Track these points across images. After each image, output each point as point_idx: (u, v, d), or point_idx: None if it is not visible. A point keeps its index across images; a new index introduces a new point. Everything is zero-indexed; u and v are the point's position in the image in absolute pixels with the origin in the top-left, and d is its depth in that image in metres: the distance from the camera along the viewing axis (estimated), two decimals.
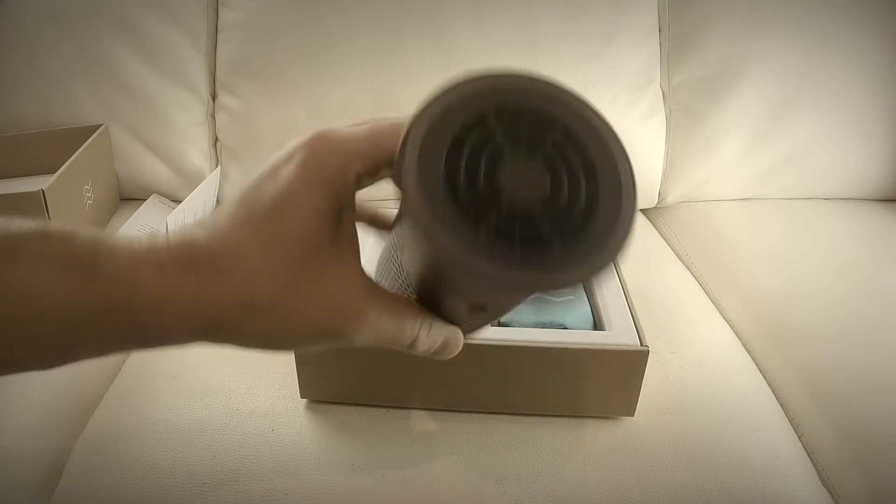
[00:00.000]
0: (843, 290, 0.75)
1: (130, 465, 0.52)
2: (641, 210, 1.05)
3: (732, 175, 1.01)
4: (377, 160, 0.26)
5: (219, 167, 1.00)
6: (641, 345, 0.52)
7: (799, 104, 0.97)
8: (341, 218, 0.26)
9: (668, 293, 0.75)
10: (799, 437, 0.60)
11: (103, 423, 0.57)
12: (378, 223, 0.34)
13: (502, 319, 0.55)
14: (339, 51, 0.94)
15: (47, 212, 0.77)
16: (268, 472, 0.50)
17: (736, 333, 0.72)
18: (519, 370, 0.53)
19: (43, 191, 0.76)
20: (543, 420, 0.55)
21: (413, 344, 0.28)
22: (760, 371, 0.66)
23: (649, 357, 0.52)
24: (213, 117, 1.01)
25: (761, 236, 0.90)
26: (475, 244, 0.20)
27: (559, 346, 0.52)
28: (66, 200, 0.83)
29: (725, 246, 0.89)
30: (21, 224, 0.23)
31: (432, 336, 0.28)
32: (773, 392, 0.64)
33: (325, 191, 0.25)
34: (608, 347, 0.52)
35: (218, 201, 0.99)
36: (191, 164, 1.00)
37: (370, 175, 0.27)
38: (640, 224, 0.99)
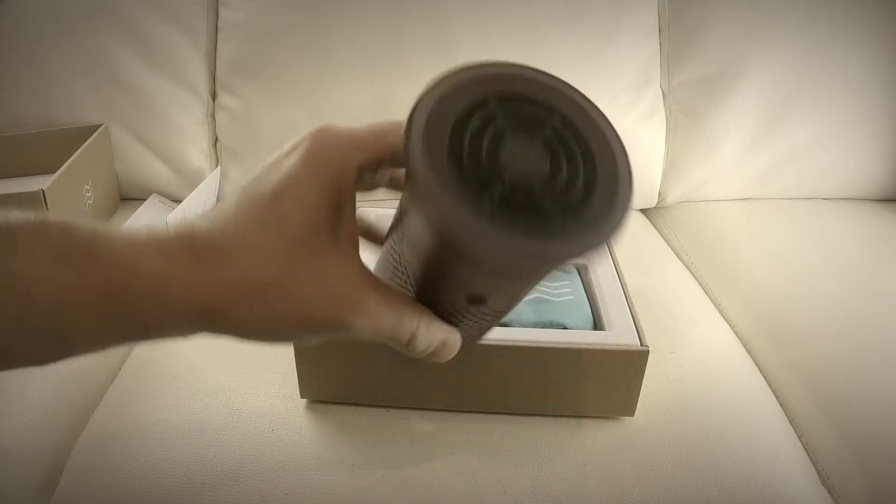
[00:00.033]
0: (843, 290, 0.75)
1: (130, 465, 0.52)
2: (641, 210, 1.05)
3: (732, 175, 1.01)
4: (378, 153, 0.27)
5: (219, 167, 1.00)
6: (641, 345, 0.52)
7: (799, 104, 0.97)
8: (342, 209, 0.27)
9: (668, 293, 0.75)
10: (799, 437, 0.60)
11: (103, 423, 0.57)
12: (372, 236, 0.34)
13: (502, 320, 0.55)
14: (339, 51, 0.94)
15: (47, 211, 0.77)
16: (268, 472, 0.50)
17: (736, 333, 0.72)
18: (519, 370, 0.53)
19: (43, 191, 0.76)
20: (543, 420, 0.55)
21: (412, 340, 0.27)
22: (760, 371, 0.66)
23: (649, 357, 0.52)
24: (213, 117, 1.01)
25: (761, 236, 0.90)
26: (479, 211, 0.21)
27: (559, 346, 0.52)
28: (66, 200, 0.83)
29: (725, 246, 0.89)
30: (19, 215, 0.23)
31: (431, 332, 0.28)
32: (773, 392, 0.64)
33: (326, 179, 0.26)
34: (608, 347, 0.52)
35: (218, 201, 0.99)
36: (191, 164, 1.00)
37: (371, 168, 0.27)
38: (640, 224, 0.99)
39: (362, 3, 0.95)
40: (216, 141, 1.02)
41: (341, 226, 0.27)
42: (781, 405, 0.63)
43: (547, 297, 0.59)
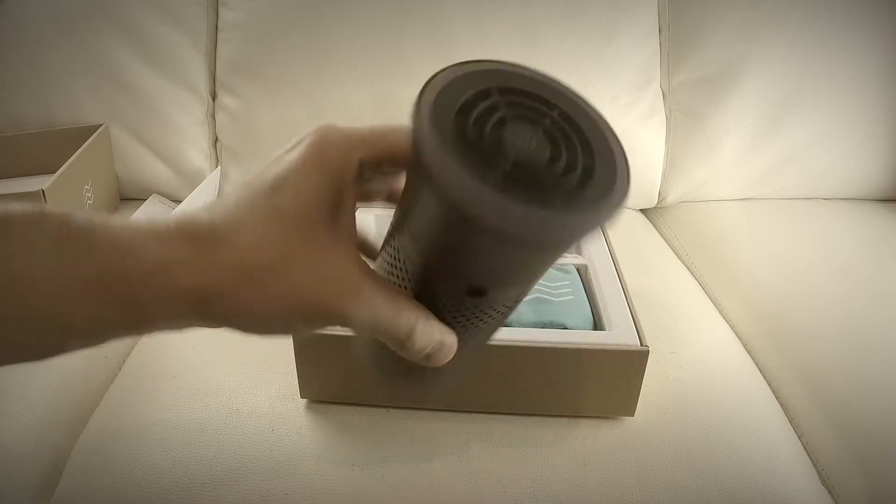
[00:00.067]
0: (843, 290, 0.75)
1: (130, 465, 0.52)
2: (641, 210, 1.05)
3: (732, 175, 1.01)
4: (378, 151, 0.27)
5: (219, 167, 1.00)
6: (641, 345, 0.52)
7: (799, 104, 0.97)
8: (341, 203, 0.27)
9: (668, 293, 0.75)
10: (799, 437, 0.60)
11: (103, 423, 0.57)
12: (367, 251, 0.35)
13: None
14: (339, 51, 0.94)
15: None
16: (268, 472, 0.50)
17: (736, 333, 0.72)
18: (519, 370, 0.53)
19: (43, 191, 0.76)
20: (543, 420, 0.55)
21: (410, 336, 0.27)
22: (760, 371, 0.66)
23: (649, 357, 0.52)
24: (213, 117, 1.01)
25: (761, 236, 0.90)
26: (485, 180, 0.21)
27: (559, 346, 0.52)
28: (66, 200, 0.83)
29: (725, 246, 0.89)
30: (17, 207, 0.23)
31: (429, 330, 0.27)
32: (773, 392, 0.64)
33: (327, 172, 0.26)
34: (608, 347, 0.52)
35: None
36: (191, 164, 1.00)
37: (372, 166, 0.28)
38: (640, 224, 0.99)
39: (362, 3, 0.95)
40: (216, 141, 1.02)
41: (340, 219, 0.27)
42: (781, 405, 0.63)
43: (547, 297, 0.59)
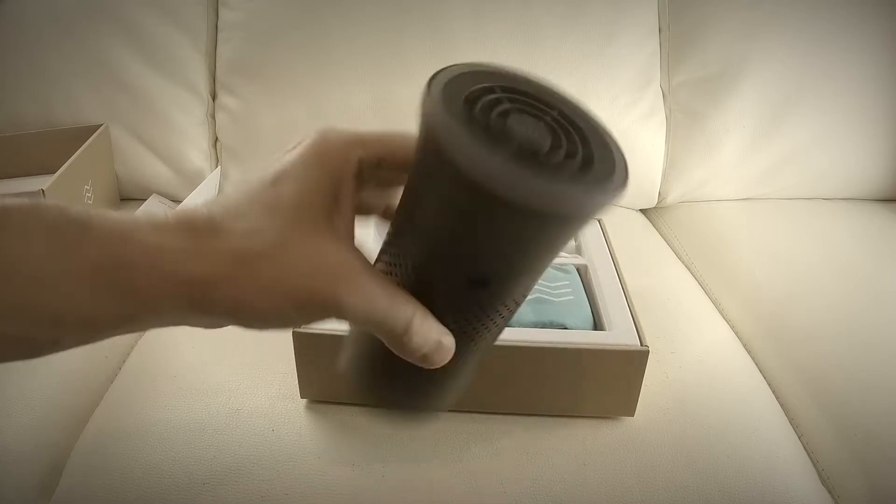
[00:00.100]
0: (843, 290, 0.75)
1: (130, 465, 0.52)
2: (641, 210, 1.05)
3: (732, 175, 1.01)
4: (378, 151, 0.28)
5: (219, 167, 1.00)
6: (641, 345, 0.52)
7: (799, 104, 0.97)
8: (339, 199, 0.27)
9: (668, 293, 0.75)
10: (799, 437, 0.60)
11: (103, 423, 0.57)
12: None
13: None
14: (339, 51, 0.94)
15: None
16: (268, 472, 0.50)
17: (736, 333, 0.72)
18: (519, 370, 0.53)
19: (43, 191, 0.76)
20: (543, 420, 0.55)
21: (408, 331, 0.27)
22: (760, 371, 0.66)
23: (649, 357, 0.52)
24: (213, 117, 1.01)
25: (761, 236, 0.90)
26: (497, 154, 0.22)
27: (559, 346, 0.52)
28: (66, 200, 0.82)
29: (725, 246, 0.89)
30: (15, 200, 0.24)
31: (427, 326, 0.27)
32: (773, 392, 0.64)
33: (325, 167, 0.27)
34: (608, 347, 0.52)
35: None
36: (191, 164, 1.00)
37: (371, 166, 0.28)
38: (640, 224, 0.99)
39: (362, 3, 0.95)
40: (216, 141, 1.02)
41: (338, 214, 0.27)
42: (781, 405, 0.63)
43: (547, 297, 0.59)
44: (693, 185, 1.02)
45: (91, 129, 0.94)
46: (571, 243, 0.70)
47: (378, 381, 0.33)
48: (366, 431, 0.54)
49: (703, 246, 0.92)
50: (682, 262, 0.87)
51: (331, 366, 0.54)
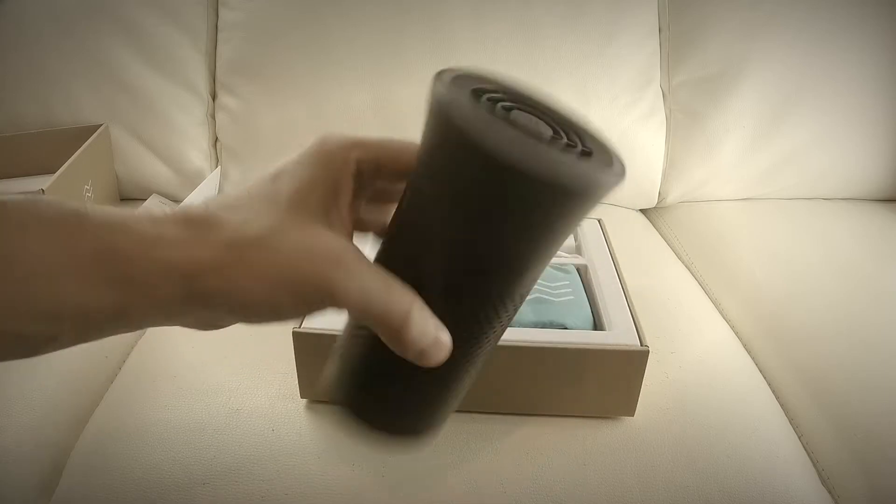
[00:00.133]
0: (843, 290, 0.75)
1: (130, 464, 0.52)
2: (641, 210, 1.05)
3: (732, 175, 1.01)
4: (377, 154, 0.29)
5: (219, 167, 1.00)
6: (641, 345, 0.52)
7: (799, 104, 0.97)
8: (337, 196, 0.28)
9: (668, 293, 0.75)
10: (799, 437, 0.60)
11: (103, 423, 0.57)
12: None
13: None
14: (339, 51, 0.94)
15: None
16: (268, 472, 0.50)
17: (736, 333, 0.72)
18: (519, 370, 0.53)
19: (43, 191, 0.76)
20: (543, 420, 0.55)
21: (406, 322, 0.26)
22: (760, 371, 0.66)
23: (649, 357, 0.52)
24: (213, 117, 1.01)
25: (761, 236, 0.90)
26: (506, 128, 0.23)
27: (559, 346, 0.52)
28: (69, 199, 0.83)
29: (725, 246, 0.89)
30: (11, 195, 0.24)
31: (425, 318, 0.26)
32: (773, 392, 0.64)
33: (324, 165, 0.28)
34: (608, 347, 0.52)
35: None
36: (191, 164, 1.00)
37: (370, 169, 0.29)
38: (640, 224, 0.99)
39: (362, 3, 0.95)
40: (216, 141, 1.02)
41: (336, 210, 0.28)
42: (781, 405, 0.63)
43: (547, 297, 0.59)
44: (693, 185, 1.02)
45: (91, 129, 0.94)
46: (571, 243, 0.70)
47: (367, 395, 0.31)
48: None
49: (703, 246, 0.92)
50: (682, 262, 0.87)
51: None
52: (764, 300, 0.77)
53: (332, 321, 0.32)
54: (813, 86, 0.97)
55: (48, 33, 0.96)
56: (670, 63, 1.00)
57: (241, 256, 0.25)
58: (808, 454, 0.58)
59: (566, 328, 0.55)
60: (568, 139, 0.26)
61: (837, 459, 0.57)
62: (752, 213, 0.98)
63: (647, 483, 0.51)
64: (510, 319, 0.30)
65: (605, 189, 0.24)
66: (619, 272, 0.62)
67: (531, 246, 0.27)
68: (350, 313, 0.27)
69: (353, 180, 0.28)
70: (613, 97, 0.96)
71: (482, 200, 0.25)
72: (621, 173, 0.25)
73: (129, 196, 1.02)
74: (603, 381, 0.53)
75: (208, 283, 0.25)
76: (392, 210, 0.30)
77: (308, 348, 0.53)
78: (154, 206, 0.97)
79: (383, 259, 0.29)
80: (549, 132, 0.25)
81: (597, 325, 0.57)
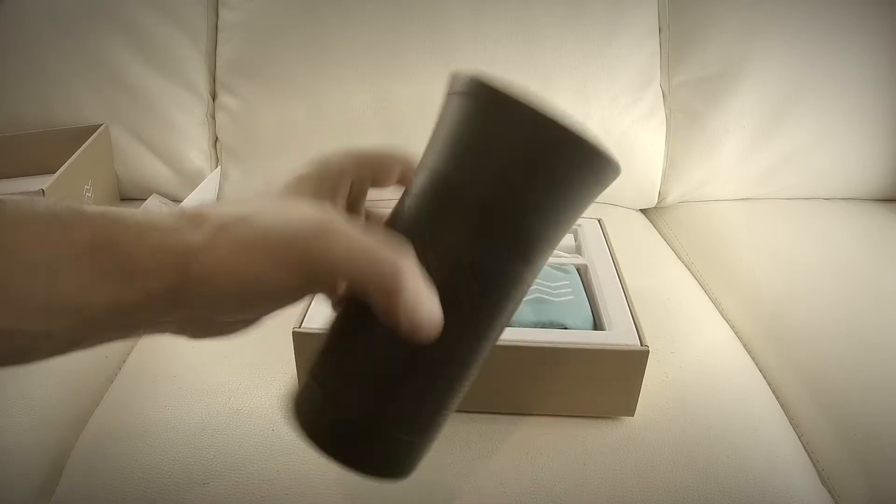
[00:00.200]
0: (843, 290, 0.75)
1: (130, 465, 0.52)
2: (641, 210, 1.05)
3: (732, 175, 1.01)
4: (374, 163, 0.32)
5: (219, 167, 1.00)
6: (641, 345, 0.52)
7: (799, 104, 0.97)
8: (332, 194, 0.30)
9: (668, 293, 0.75)
10: (799, 437, 0.60)
11: (103, 423, 0.57)
12: None
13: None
14: (339, 51, 0.94)
15: None
16: (268, 472, 0.50)
17: (736, 333, 0.72)
18: (519, 370, 0.53)
19: (43, 191, 0.76)
20: (543, 420, 0.55)
21: (399, 280, 0.25)
22: (760, 371, 0.66)
23: (649, 357, 0.52)
24: (213, 117, 1.01)
25: (761, 236, 0.90)
26: (531, 101, 0.27)
27: (559, 346, 0.52)
28: (67, 199, 0.83)
29: (725, 246, 0.89)
30: (8, 196, 0.24)
31: (417, 280, 0.26)
32: (773, 392, 0.64)
33: (317, 165, 0.30)
34: (608, 347, 0.52)
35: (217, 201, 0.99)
36: (191, 164, 1.00)
37: (366, 174, 0.31)
38: (640, 224, 0.99)
39: (362, 3, 0.95)
40: (216, 141, 1.02)
41: (328, 204, 0.30)
42: (781, 405, 0.63)
43: (547, 297, 0.59)
44: (693, 185, 1.02)
45: (91, 129, 0.94)
46: (571, 243, 0.70)
47: (342, 401, 0.29)
48: None
49: (703, 246, 0.92)
50: (682, 262, 0.87)
51: None
52: (764, 300, 0.77)
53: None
54: (813, 86, 0.97)
55: (48, 33, 0.96)
56: (670, 63, 1.00)
57: (228, 234, 0.26)
58: (808, 454, 0.58)
59: (566, 328, 0.55)
60: None
61: (837, 459, 0.57)
62: (752, 213, 0.98)
63: (647, 483, 0.51)
64: (497, 333, 0.31)
65: (605, 175, 0.29)
66: (619, 272, 0.62)
67: (559, 213, 0.29)
68: (341, 275, 0.26)
69: (351, 184, 0.30)
70: (613, 97, 0.96)
71: (526, 161, 0.27)
72: (618, 168, 0.29)
73: (129, 196, 1.02)
74: (603, 381, 0.53)
75: (200, 264, 0.25)
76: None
77: (308, 348, 0.53)
78: (154, 205, 0.97)
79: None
80: None
81: (597, 325, 0.57)
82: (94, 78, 0.97)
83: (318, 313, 0.54)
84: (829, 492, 0.55)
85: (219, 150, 1.01)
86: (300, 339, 0.53)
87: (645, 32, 0.98)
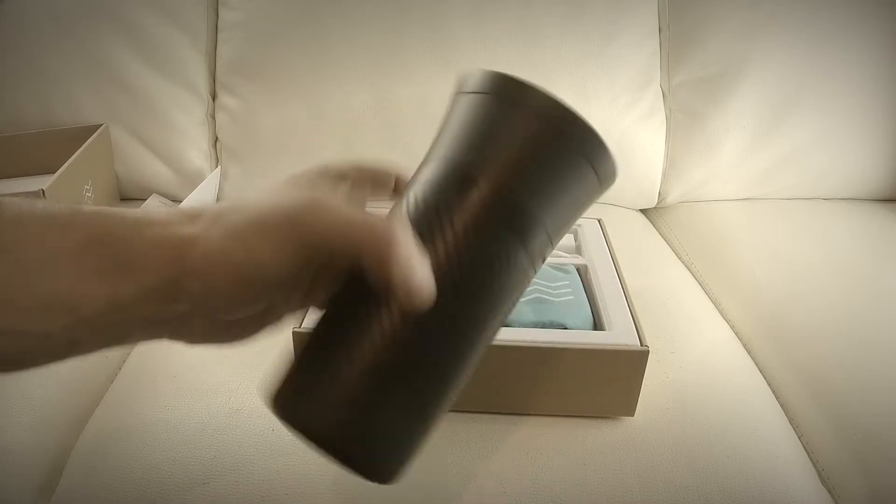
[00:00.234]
0: (843, 290, 0.75)
1: (130, 465, 0.52)
2: (641, 210, 1.05)
3: (732, 175, 1.01)
4: (372, 175, 0.33)
5: (219, 167, 1.00)
6: (641, 345, 0.52)
7: (799, 104, 0.97)
8: (330, 194, 0.31)
9: (668, 293, 0.75)
10: (799, 437, 0.60)
11: (103, 423, 0.57)
12: None
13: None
14: (339, 51, 0.94)
15: None
16: (268, 472, 0.50)
17: (736, 333, 0.72)
18: (519, 370, 0.53)
19: (43, 191, 0.76)
20: (543, 420, 0.55)
21: (390, 238, 0.25)
22: (760, 371, 0.66)
23: (649, 357, 0.52)
24: (213, 117, 1.01)
25: (761, 236, 0.90)
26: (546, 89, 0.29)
27: (559, 346, 0.52)
28: (67, 200, 0.83)
29: (725, 246, 0.89)
30: (8, 196, 0.24)
31: (408, 237, 0.26)
32: (773, 392, 0.64)
33: (316, 167, 0.31)
34: (608, 347, 0.52)
35: (217, 201, 0.99)
36: (191, 164, 1.00)
37: (362, 181, 0.32)
38: (640, 224, 0.99)
39: (362, 3, 0.95)
40: (216, 141, 1.02)
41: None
42: (781, 405, 0.63)
43: (547, 297, 0.59)
44: (693, 185, 1.02)
45: (91, 129, 0.94)
46: (571, 243, 0.70)
47: (335, 388, 0.29)
48: None
49: (703, 246, 0.92)
50: (682, 262, 0.87)
51: None
52: (764, 300, 0.77)
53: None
54: (813, 86, 0.96)
55: (48, 33, 0.96)
56: (670, 63, 1.00)
57: (221, 223, 0.26)
58: (808, 454, 0.58)
59: (566, 328, 0.55)
60: None
61: (837, 459, 0.57)
62: (752, 213, 0.98)
63: (647, 483, 0.51)
64: (494, 328, 0.31)
65: (607, 167, 0.31)
66: (619, 272, 0.62)
67: (564, 201, 0.30)
68: (335, 245, 0.26)
69: (351, 189, 0.31)
70: (613, 97, 0.96)
71: (539, 148, 0.29)
72: (617, 170, 0.31)
73: (129, 196, 1.02)
74: (603, 381, 0.53)
75: (196, 254, 0.25)
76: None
77: None
78: (154, 205, 0.97)
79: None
80: None
81: (597, 325, 0.57)
82: (94, 78, 0.97)
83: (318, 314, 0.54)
84: (829, 492, 0.55)
85: (219, 150, 1.01)
86: (300, 339, 0.53)
87: (645, 32, 0.98)
